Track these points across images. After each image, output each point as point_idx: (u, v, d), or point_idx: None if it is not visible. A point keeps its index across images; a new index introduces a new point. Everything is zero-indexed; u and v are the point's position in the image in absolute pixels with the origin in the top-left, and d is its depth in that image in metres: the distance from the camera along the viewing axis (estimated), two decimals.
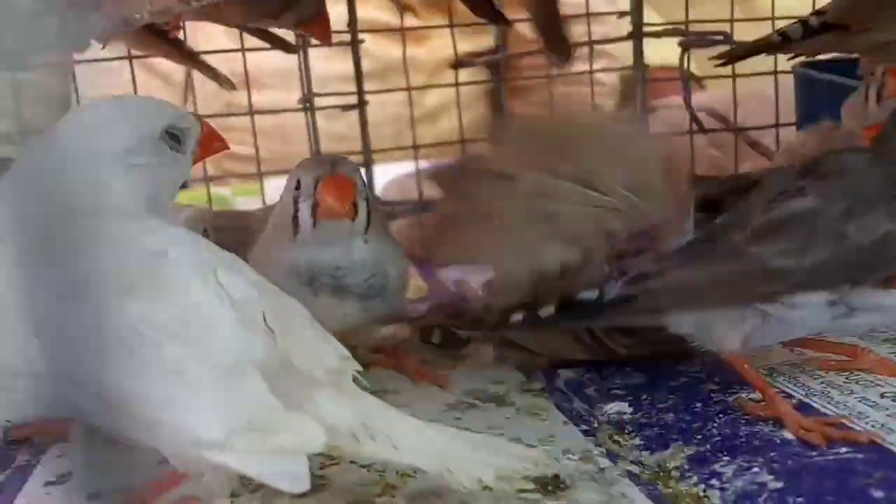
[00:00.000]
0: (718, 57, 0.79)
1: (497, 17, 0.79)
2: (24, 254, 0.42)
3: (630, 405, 0.55)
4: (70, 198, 0.43)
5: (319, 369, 0.41)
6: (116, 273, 0.41)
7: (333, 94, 0.95)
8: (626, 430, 0.52)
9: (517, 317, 0.53)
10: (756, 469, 0.44)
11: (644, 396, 0.56)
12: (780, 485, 0.42)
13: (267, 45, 0.88)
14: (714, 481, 0.44)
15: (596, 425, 0.53)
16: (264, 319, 0.41)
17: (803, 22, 0.68)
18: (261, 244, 0.62)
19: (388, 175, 1.13)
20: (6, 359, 0.43)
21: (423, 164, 1.00)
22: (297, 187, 0.58)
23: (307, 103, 0.95)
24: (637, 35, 0.98)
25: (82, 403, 0.40)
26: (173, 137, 0.47)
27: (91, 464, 0.43)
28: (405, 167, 1.14)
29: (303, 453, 0.38)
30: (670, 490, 0.45)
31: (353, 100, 0.95)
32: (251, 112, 0.95)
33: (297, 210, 0.57)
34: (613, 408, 0.55)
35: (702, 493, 0.44)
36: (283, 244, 0.59)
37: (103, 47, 0.87)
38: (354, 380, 0.42)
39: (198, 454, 0.38)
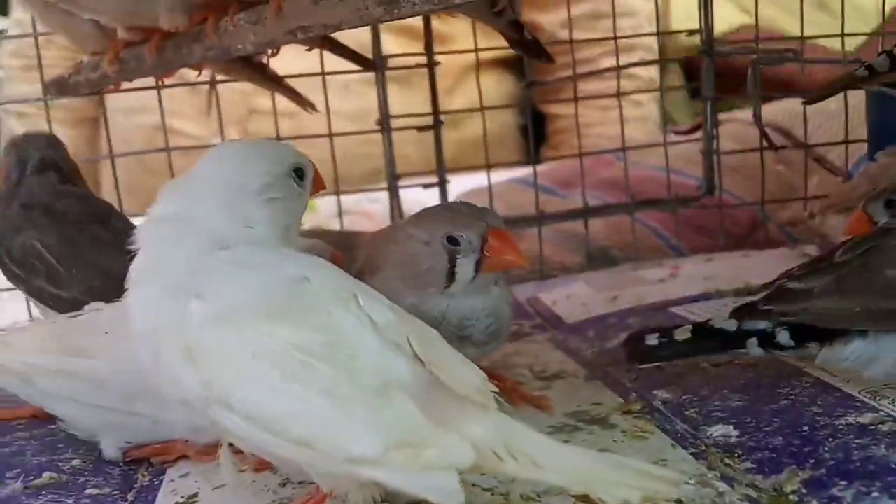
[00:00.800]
0: (803, 98, 0.80)
1: (541, 54, 0.77)
2: (173, 289, 0.44)
3: (735, 427, 0.56)
4: (216, 232, 0.46)
5: (467, 390, 0.43)
6: (263, 299, 0.44)
7: (410, 115, 0.97)
8: (736, 454, 0.52)
9: (652, 340, 0.55)
10: (876, 494, 0.45)
11: (748, 419, 0.56)
12: None
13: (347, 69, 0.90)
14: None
15: (703, 448, 0.54)
16: (409, 342, 0.43)
17: (889, 54, 0.69)
18: (382, 285, 0.57)
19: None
20: (162, 388, 0.45)
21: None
22: (453, 243, 0.57)
23: (383, 125, 0.97)
24: (708, 53, 0.99)
25: (232, 425, 0.42)
26: (298, 174, 0.51)
27: None
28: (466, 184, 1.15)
29: (453, 469, 0.39)
30: None
31: (428, 121, 0.97)
32: (330, 134, 0.97)
33: (454, 264, 0.58)
34: (718, 430, 0.56)
35: None
36: (423, 293, 0.59)
37: (198, 74, 0.91)
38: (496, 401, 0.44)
39: (349, 471, 0.40)
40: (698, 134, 1.07)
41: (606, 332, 0.81)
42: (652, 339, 0.60)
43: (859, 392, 0.58)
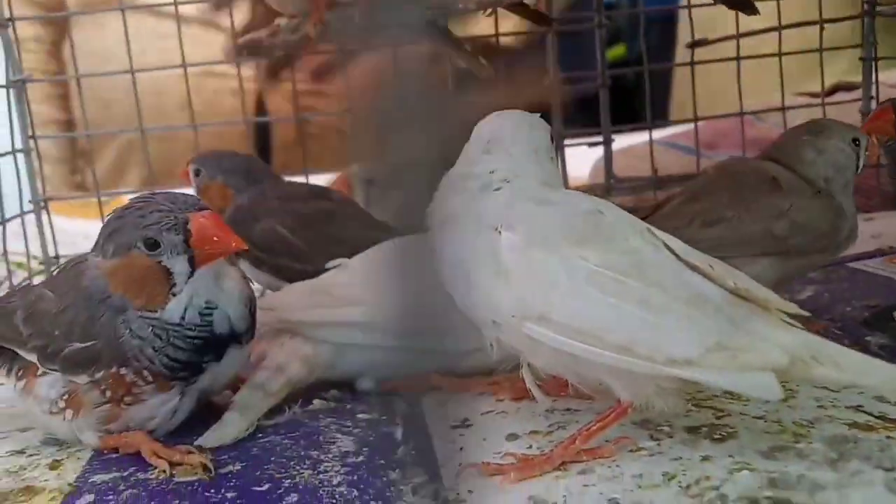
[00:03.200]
0: None
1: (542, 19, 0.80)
2: (485, 225, 0.49)
3: None
4: (524, 180, 0.51)
5: (772, 305, 0.47)
6: (567, 228, 0.48)
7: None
8: None
9: None
10: None
11: None
12: None
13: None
14: None
15: None
16: (710, 265, 0.47)
17: None
18: None
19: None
20: (473, 311, 0.49)
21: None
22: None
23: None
24: (870, 13, 0.99)
25: (548, 339, 0.46)
26: (552, 140, 0.56)
27: None
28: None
29: (769, 369, 0.43)
30: None
31: None
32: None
33: None
34: None
35: None
36: None
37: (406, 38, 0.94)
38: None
39: (669, 373, 0.44)
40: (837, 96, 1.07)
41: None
42: None
43: None
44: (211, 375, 0.56)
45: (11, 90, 0.94)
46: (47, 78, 1.55)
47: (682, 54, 1.64)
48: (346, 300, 0.62)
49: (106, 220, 0.55)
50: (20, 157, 0.96)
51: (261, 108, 1.79)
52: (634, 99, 1.35)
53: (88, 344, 0.53)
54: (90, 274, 0.54)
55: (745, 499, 0.42)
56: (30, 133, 0.97)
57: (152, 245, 0.53)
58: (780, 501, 0.41)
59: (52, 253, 0.99)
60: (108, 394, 0.54)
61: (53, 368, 0.54)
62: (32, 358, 0.55)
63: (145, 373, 0.53)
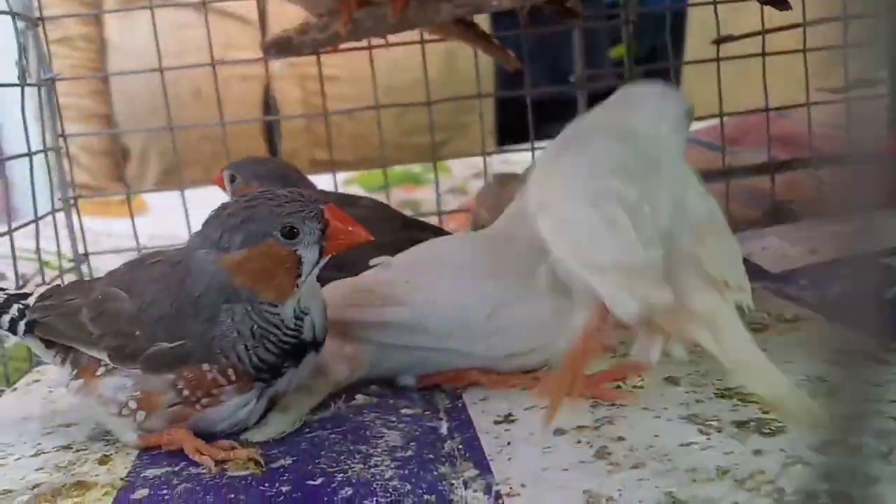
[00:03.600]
0: None
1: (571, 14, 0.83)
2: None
3: None
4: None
5: (715, 273, 0.50)
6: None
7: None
8: None
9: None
10: None
11: None
12: None
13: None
14: None
15: None
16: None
17: None
18: None
19: None
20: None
21: None
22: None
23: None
24: None
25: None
26: (688, 116, 0.60)
27: None
28: None
29: (644, 301, 0.47)
30: None
31: None
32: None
33: None
34: None
35: None
36: None
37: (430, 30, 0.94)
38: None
39: (575, 271, 0.50)
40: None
41: (821, 280, 0.83)
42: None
43: None
44: (287, 379, 0.56)
45: (42, 89, 0.94)
46: (73, 76, 1.56)
47: (692, 52, 1.65)
48: (389, 300, 0.62)
49: (218, 214, 0.55)
50: (51, 155, 0.96)
51: (268, 93, 1.79)
52: None
53: (177, 344, 0.53)
54: (199, 268, 0.54)
55: (802, 492, 0.42)
56: (59, 131, 0.98)
57: (290, 233, 0.53)
58: (838, 494, 0.41)
59: (80, 251, 1.00)
60: (185, 393, 0.53)
61: (133, 368, 0.54)
62: (103, 357, 0.55)
63: (230, 371, 0.53)
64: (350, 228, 0.54)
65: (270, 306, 0.54)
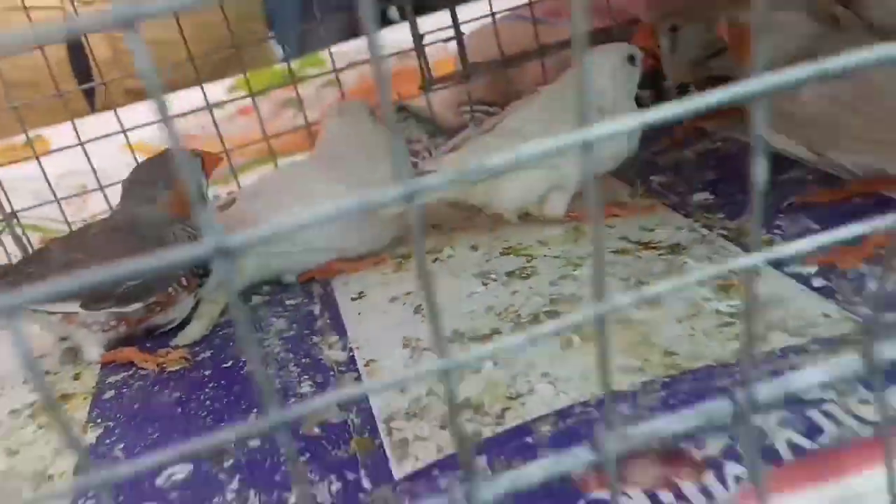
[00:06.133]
0: None
1: None
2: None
3: (710, 193, 0.82)
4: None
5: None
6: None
7: None
8: (712, 210, 0.78)
9: None
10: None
11: (720, 187, 0.82)
12: None
13: None
14: (777, 231, 0.71)
15: (690, 209, 0.80)
16: None
17: None
18: None
19: None
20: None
21: None
22: None
23: None
24: None
25: None
26: (631, 61, 0.82)
27: None
28: None
29: None
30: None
31: None
32: None
33: None
34: (700, 196, 0.82)
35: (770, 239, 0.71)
36: None
37: None
38: None
39: None
40: None
41: None
42: None
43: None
44: (210, 283, 0.79)
45: None
46: None
47: None
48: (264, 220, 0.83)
49: (135, 179, 0.79)
50: None
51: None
52: None
53: (139, 281, 0.73)
54: (145, 219, 0.76)
55: (531, 314, 0.66)
56: None
57: None
58: (554, 313, 0.65)
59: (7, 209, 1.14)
60: (154, 307, 0.76)
61: (103, 307, 0.73)
62: (73, 308, 0.73)
63: (183, 279, 0.76)
64: (213, 155, 0.82)
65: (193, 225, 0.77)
